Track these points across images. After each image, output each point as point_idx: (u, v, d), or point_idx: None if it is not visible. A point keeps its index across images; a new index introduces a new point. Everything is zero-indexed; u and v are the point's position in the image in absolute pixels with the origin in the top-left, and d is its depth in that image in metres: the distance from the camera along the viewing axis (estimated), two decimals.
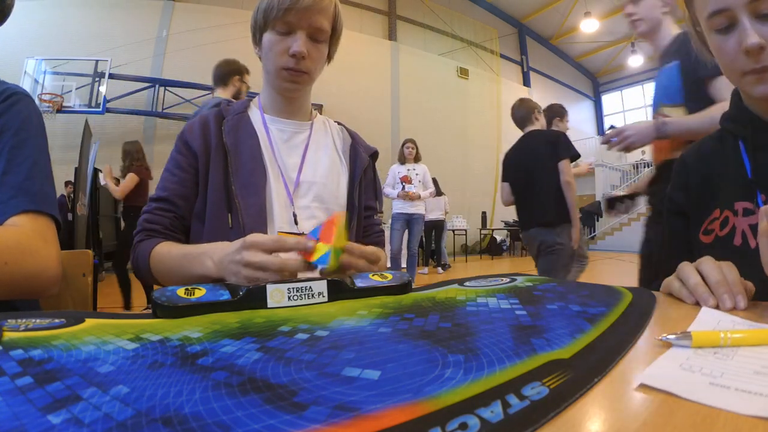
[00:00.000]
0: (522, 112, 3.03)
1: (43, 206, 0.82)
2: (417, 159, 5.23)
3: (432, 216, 7.23)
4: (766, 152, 0.78)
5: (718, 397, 0.27)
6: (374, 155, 1.18)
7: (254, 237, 0.69)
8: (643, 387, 0.30)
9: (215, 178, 0.96)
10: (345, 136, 1.17)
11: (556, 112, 3.65)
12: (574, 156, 2.80)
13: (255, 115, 1.08)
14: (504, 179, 3.08)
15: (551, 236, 2.73)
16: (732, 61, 0.74)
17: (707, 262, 0.61)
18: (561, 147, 2.76)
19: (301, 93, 1.08)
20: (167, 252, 0.88)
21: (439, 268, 8.02)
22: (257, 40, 1.02)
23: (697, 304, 0.56)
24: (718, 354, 0.35)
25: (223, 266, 0.73)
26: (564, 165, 2.72)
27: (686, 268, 0.62)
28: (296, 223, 0.99)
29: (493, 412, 0.26)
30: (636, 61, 15.20)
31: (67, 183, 6.46)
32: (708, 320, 0.47)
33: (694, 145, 0.95)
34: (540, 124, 3.03)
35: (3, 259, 0.72)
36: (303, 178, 1.03)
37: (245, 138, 1.01)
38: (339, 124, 1.20)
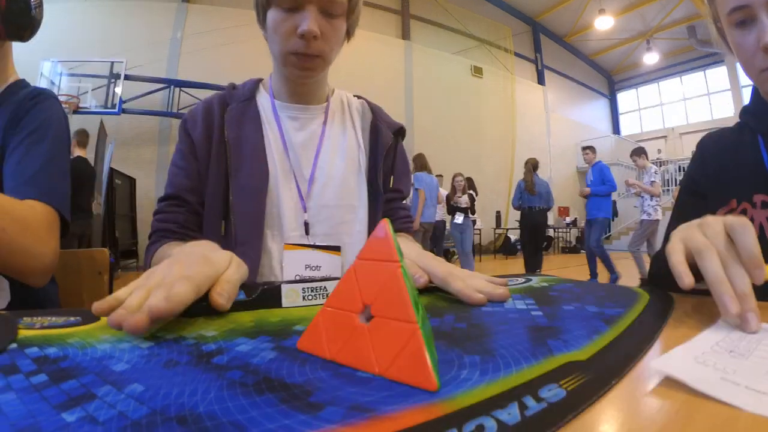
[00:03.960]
0: None
1: (51, 200, 0.83)
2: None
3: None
4: None
5: (728, 393, 0.28)
6: (399, 132, 1.03)
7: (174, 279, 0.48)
8: (661, 390, 0.29)
9: (214, 178, 0.88)
10: (366, 111, 1.04)
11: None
12: None
13: (264, 100, 0.96)
14: None
15: None
16: (750, 58, 0.74)
17: (730, 257, 0.48)
18: None
19: (316, 78, 0.93)
20: (160, 258, 0.81)
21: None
22: (261, 19, 0.87)
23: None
24: (733, 352, 0.35)
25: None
26: None
27: (706, 252, 0.48)
28: (307, 232, 0.90)
29: (510, 414, 0.25)
30: (651, 58, 15.06)
31: None
32: (723, 326, 0.44)
33: (713, 134, 0.95)
34: None
35: (2, 225, 0.72)
36: (318, 174, 0.92)
37: (249, 132, 0.90)
38: (359, 98, 1.08)
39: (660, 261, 0.74)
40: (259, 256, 0.86)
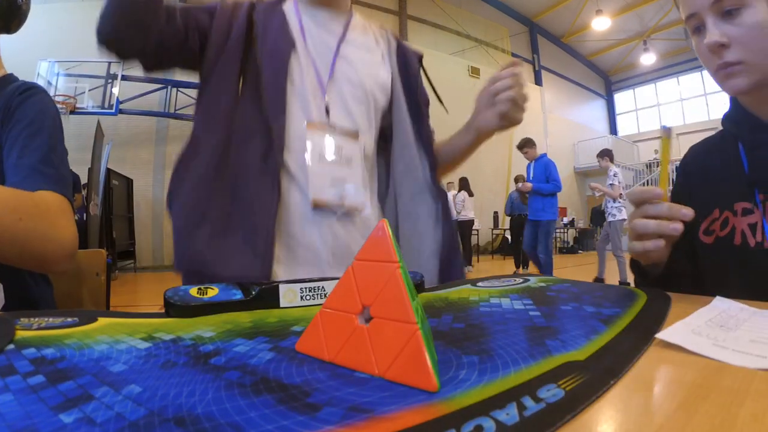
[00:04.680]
0: None
1: (60, 188, 0.83)
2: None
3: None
4: (763, 151, 0.79)
5: (718, 353, 0.35)
6: (421, 59, 1.09)
7: None
8: (660, 390, 0.29)
9: (234, 45, 0.87)
10: (390, 38, 1.07)
11: None
12: None
13: (288, 7, 0.97)
14: None
15: None
16: (706, 61, 0.78)
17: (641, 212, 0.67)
18: None
19: None
20: None
21: (470, 267, 8.14)
22: None
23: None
24: (724, 326, 0.42)
25: None
26: None
27: (637, 223, 0.67)
28: (328, 114, 0.90)
29: (509, 414, 0.25)
30: (648, 59, 15.11)
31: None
32: (716, 306, 0.51)
33: (697, 147, 0.97)
34: None
35: (18, 215, 0.72)
36: (338, 68, 0.94)
37: (274, 20, 0.92)
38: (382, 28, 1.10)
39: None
40: (283, 127, 0.86)
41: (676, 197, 0.94)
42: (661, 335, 0.39)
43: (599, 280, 5.67)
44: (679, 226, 0.63)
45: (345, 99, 0.93)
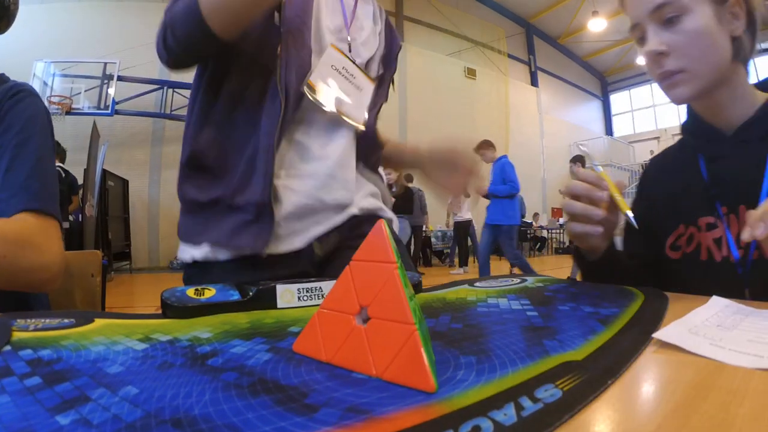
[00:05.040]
0: None
1: (44, 205, 0.83)
2: None
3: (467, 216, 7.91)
4: (722, 161, 0.78)
5: (715, 353, 0.35)
6: (399, 49, 1.10)
7: None
8: (658, 389, 0.29)
9: None
10: (383, 14, 1.07)
11: None
12: None
13: None
14: None
15: None
16: (649, 70, 0.78)
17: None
18: None
19: None
20: None
21: (465, 268, 8.13)
22: None
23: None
24: (721, 326, 0.42)
25: None
26: None
27: (565, 203, 0.70)
28: (350, 50, 0.92)
29: (507, 414, 0.25)
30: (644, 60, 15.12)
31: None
32: (713, 306, 0.51)
33: (656, 160, 0.97)
34: None
35: (1, 253, 0.72)
36: (354, 21, 0.96)
37: None
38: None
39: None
40: (309, 46, 0.87)
41: (640, 215, 0.92)
42: (658, 335, 0.39)
43: (572, 279, 5.68)
44: (599, 212, 0.66)
45: (359, 45, 0.95)
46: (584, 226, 0.68)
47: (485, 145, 5.51)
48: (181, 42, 0.76)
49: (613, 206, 0.68)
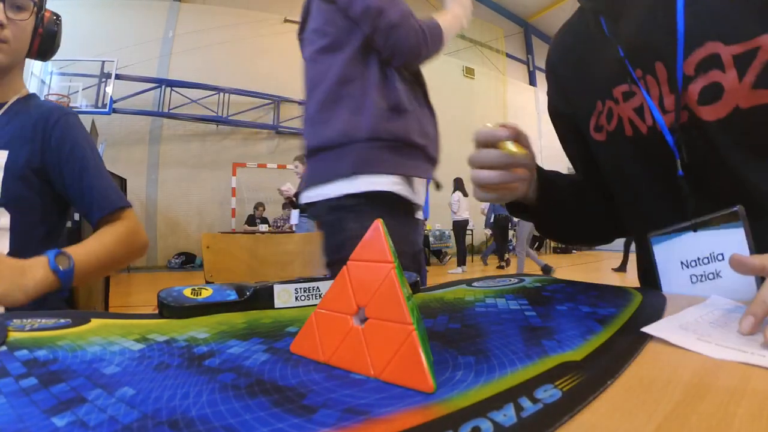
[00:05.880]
0: None
1: (125, 200, 1.09)
2: None
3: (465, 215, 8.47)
4: (626, 20, 0.68)
5: (700, 347, 0.35)
6: None
7: None
8: (657, 389, 0.29)
9: None
10: None
11: None
12: None
13: None
14: None
15: None
16: None
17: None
18: None
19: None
20: None
21: (464, 267, 8.22)
22: None
23: None
24: (713, 324, 0.43)
25: None
26: None
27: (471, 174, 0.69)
28: None
29: (506, 415, 0.25)
30: None
31: None
32: (710, 304, 0.51)
33: (558, 40, 0.86)
34: None
35: (125, 249, 1.04)
36: None
37: None
38: None
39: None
40: None
41: (552, 104, 0.87)
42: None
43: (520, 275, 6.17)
44: (488, 174, 0.67)
45: None
46: (485, 195, 0.69)
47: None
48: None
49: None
